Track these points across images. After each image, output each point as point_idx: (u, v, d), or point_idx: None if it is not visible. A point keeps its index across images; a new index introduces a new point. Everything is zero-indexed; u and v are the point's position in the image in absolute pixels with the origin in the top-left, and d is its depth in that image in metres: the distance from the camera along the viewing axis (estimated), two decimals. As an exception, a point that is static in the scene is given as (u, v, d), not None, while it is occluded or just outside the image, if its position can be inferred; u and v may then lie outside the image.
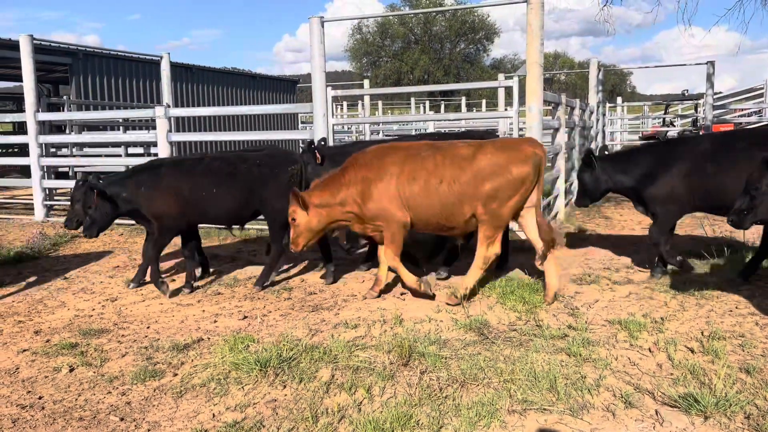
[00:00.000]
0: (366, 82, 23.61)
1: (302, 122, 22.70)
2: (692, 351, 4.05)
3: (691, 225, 8.18)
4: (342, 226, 5.44)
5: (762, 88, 20.11)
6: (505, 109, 14.15)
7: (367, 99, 19.15)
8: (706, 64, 14.12)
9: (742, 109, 19.83)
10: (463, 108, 29.92)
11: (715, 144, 5.68)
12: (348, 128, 20.96)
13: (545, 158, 5.08)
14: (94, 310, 5.39)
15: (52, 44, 15.18)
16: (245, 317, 5.07)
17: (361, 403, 3.45)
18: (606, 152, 6.43)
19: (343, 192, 5.08)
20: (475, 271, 5.09)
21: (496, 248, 5.05)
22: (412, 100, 28.45)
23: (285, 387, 3.68)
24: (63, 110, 14.67)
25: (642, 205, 5.97)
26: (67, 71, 16.19)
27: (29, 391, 3.75)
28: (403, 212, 5.00)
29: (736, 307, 4.88)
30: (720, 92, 21.18)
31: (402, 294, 5.59)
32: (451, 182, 4.90)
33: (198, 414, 3.41)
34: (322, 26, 8.03)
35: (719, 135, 6.78)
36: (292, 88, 25.96)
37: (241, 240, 8.06)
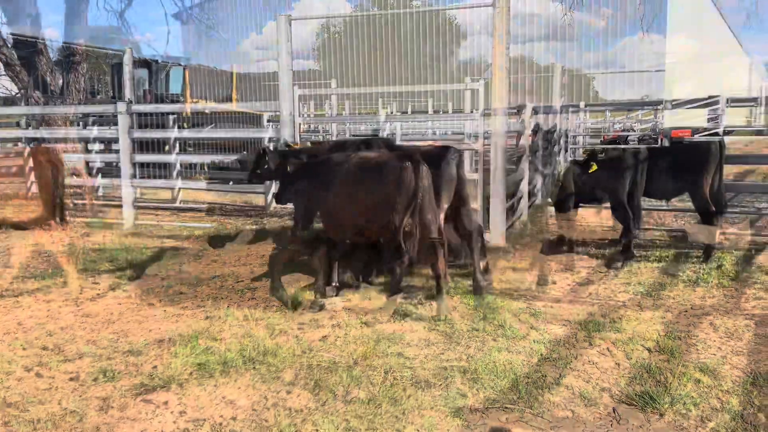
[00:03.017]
0: (333, 82, 23.54)
1: (268, 120, 22.44)
2: (649, 350, 4.16)
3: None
4: None
5: (719, 96, 20.73)
6: (471, 112, 14.29)
7: (334, 98, 19.11)
8: (665, 71, 14.49)
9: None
10: (430, 110, 30.06)
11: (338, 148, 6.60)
12: (315, 127, 20.84)
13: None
14: (50, 310, 5.26)
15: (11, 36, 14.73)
16: (208, 317, 5.00)
17: (324, 403, 3.45)
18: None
19: None
20: None
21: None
22: (380, 100, 28.45)
23: (248, 388, 3.65)
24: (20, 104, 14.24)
25: None
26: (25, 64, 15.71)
27: (-19, 393, 3.64)
28: None
29: (692, 307, 5.02)
30: (678, 99, 21.73)
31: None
32: None
33: (158, 415, 3.35)
34: (290, 25, 7.98)
35: (341, 141, 7.95)
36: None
37: (204, 238, 7.95)
